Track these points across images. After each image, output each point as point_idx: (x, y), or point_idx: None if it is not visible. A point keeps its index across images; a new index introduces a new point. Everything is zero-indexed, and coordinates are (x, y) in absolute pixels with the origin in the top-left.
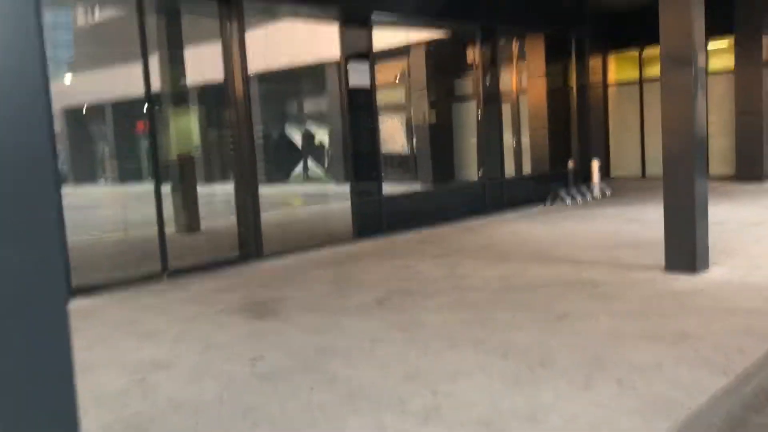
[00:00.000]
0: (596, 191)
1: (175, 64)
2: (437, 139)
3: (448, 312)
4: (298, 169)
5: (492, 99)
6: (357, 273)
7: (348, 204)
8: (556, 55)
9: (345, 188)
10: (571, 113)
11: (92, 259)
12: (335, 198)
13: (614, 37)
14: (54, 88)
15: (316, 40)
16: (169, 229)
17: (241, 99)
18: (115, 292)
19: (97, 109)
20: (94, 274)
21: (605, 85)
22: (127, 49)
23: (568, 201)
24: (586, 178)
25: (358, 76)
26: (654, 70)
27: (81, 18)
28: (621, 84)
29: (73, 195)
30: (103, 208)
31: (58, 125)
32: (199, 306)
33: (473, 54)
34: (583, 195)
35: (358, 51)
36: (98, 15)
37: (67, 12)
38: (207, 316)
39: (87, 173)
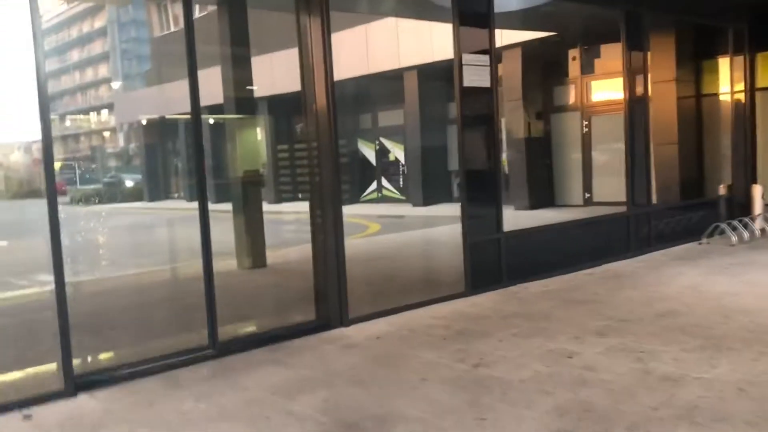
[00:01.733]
0: (759, 224)
1: (239, 70)
2: (534, 156)
3: None
4: (371, 188)
5: (637, 104)
6: (493, 362)
7: (450, 237)
8: (702, 53)
9: (423, 211)
10: (707, 124)
11: (118, 318)
12: (415, 222)
13: (760, 33)
14: (131, 100)
15: (391, 44)
16: (230, 263)
17: (323, 109)
18: (137, 384)
19: (170, 122)
20: (114, 349)
21: (752, 91)
22: (202, 55)
23: (734, 239)
24: (742, 207)
25: (476, 72)
26: None
27: (157, 28)
28: None
29: (138, 213)
30: (160, 232)
31: (139, 139)
32: (259, 429)
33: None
34: (749, 230)
35: (476, 42)
36: (173, 23)
37: (143, 25)
38: None
39: (159, 189)
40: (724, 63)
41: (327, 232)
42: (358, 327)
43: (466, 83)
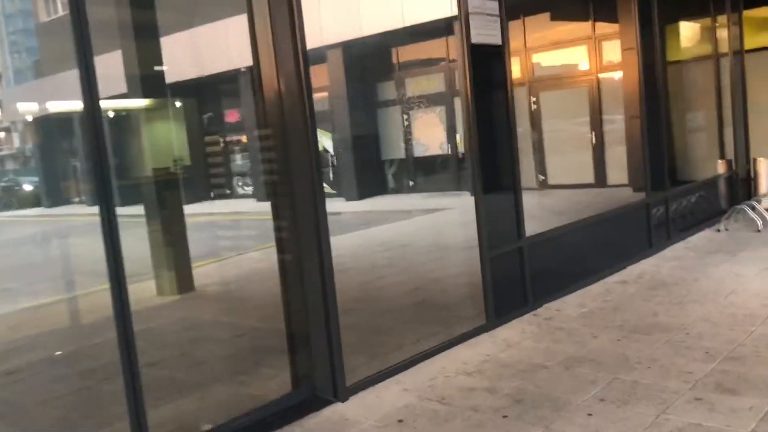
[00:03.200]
0: (747, 205)
1: (145, 50)
2: (491, 136)
3: None
4: None
5: (650, 74)
6: None
7: (415, 238)
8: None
9: (360, 206)
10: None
11: None
12: (356, 220)
13: None
14: (22, 94)
15: (311, 18)
16: (147, 288)
17: (293, 87)
18: None
19: (66, 118)
20: None
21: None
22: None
23: (760, 223)
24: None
25: (486, 25)
26: None
27: (42, 14)
28: (756, 52)
29: (36, 222)
30: (59, 245)
31: (33, 137)
32: None
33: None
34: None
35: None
36: (61, 6)
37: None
38: None
39: (59, 193)
40: (689, 27)
41: (304, 245)
42: (360, 399)
43: (475, 39)
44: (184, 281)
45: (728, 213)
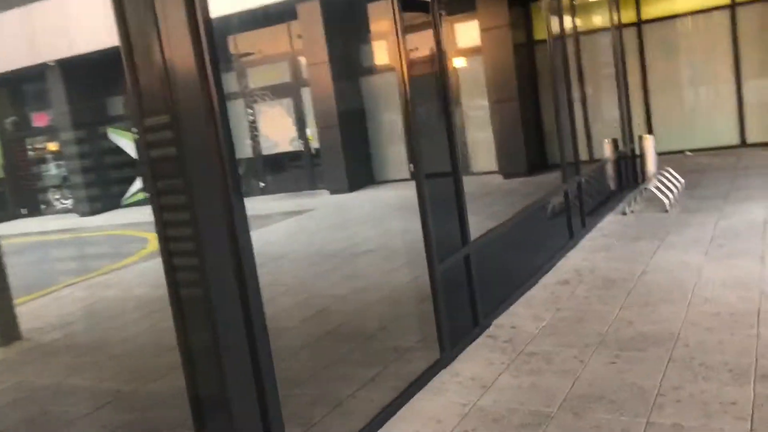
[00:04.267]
0: (655, 184)
1: None
2: (349, 129)
3: None
4: (135, 187)
5: (557, 47)
6: None
7: (298, 245)
8: None
9: None
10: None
11: None
12: None
13: None
14: None
15: None
16: None
17: (184, 61)
18: None
19: None
20: None
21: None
22: None
23: (667, 202)
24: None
25: None
26: (657, 9)
27: None
28: (653, 23)
29: None
30: None
31: None
32: None
33: None
34: (670, 192)
35: None
36: None
37: None
38: None
39: None
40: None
41: (211, 267)
42: None
43: None
44: (6, 327)
45: (631, 195)
